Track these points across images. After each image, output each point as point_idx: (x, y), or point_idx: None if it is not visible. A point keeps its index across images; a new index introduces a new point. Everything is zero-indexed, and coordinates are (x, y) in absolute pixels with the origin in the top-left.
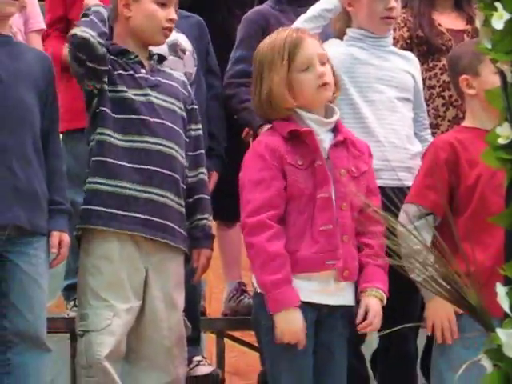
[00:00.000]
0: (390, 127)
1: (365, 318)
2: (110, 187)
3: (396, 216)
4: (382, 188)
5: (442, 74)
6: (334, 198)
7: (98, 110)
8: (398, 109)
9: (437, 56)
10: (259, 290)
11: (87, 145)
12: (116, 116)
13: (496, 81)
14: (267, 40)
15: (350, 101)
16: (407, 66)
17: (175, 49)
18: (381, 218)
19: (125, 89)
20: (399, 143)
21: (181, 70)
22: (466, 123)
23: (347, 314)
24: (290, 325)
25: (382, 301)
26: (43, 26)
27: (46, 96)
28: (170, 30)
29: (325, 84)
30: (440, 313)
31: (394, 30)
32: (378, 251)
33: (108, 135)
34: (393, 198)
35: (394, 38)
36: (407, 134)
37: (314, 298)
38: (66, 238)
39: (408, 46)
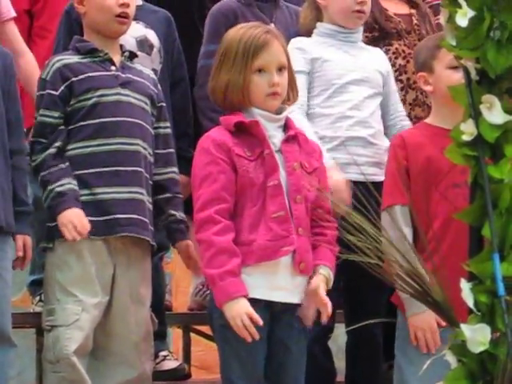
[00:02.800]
0: (360, 123)
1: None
2: (82, 197)
3: (361, 211)
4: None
5: (396, 58)
6: (286, 189)
7: (62, 128)
8: (367, 106)
9: (388, 41)
10: None
11: None
12: (85, 123)
13: (449, 75)
14: (238, 30)
15: (322, 97)
16: (377, 62)
17: (143, 44)
18: (344, 214)
19: (93, 94)
20: (369, 139)
21: (148, 66)
22: (428, 120)
23: None
24: (237, 316)
25: (328, 279)
26: (14, 13)
27: (7, 92)
28: (126, 15)
29: (275, 94)
30: (422, 325)
31: None
32: (331, 239)
33: (79, 148)
34: (356, 192)
35: None
36: (376, 129)
37: (267, 295)
38: (29, 240)
39: None
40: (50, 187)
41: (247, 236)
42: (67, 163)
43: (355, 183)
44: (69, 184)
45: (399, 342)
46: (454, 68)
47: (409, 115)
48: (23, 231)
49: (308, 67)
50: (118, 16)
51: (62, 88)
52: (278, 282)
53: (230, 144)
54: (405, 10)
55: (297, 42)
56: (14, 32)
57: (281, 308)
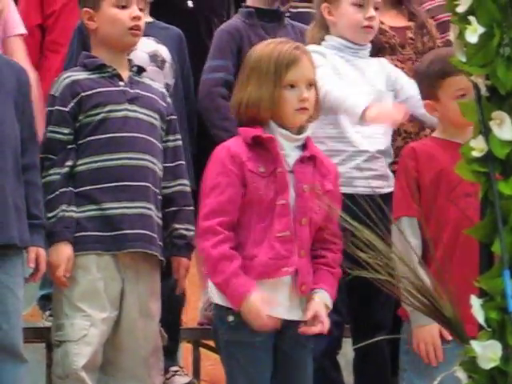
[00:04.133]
0: (367, 137)
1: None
2: (90, 212)
3: (367, 224)
4: (354, 196)
5: None
6: (293, 209)
7: (73, 146)
8: None
9: (380, 55)
10: (216, 301)
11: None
12: (93, 138)
13: (456, 105)
14: (267, 46)
15: (327, 119)
16: (383, 75)
17: (156, 59)
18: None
19: (101, 110)
20: (375, 153)
21: (161, 80)
22: (436, 134)
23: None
24: (255, 317)
25: (326, 304)
26: (23, 30)
27: (22, 108)
28: (138, 28)
29: (303, 109)
30: (426, 337)
31: None
32: (331, 263)
33: (87, 163)
34: (364, 205)
35: None
36: (383, 143)
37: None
38: (43, 252)
39: None
40: (49, 214)
41: (250, 250)
42: (71, 188)
43: (362, 197)
44: (65, 211)
45: (410, 357)
46: (461, 97)
47: (398, 130)
48: (36, 243)
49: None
50: (131, 29)
51: (72, 104)
52: (278, 300)
53: (244, 158)
54: (402, 22)
55: (314, 47)
56: (18, 49)
57: (283, 323)
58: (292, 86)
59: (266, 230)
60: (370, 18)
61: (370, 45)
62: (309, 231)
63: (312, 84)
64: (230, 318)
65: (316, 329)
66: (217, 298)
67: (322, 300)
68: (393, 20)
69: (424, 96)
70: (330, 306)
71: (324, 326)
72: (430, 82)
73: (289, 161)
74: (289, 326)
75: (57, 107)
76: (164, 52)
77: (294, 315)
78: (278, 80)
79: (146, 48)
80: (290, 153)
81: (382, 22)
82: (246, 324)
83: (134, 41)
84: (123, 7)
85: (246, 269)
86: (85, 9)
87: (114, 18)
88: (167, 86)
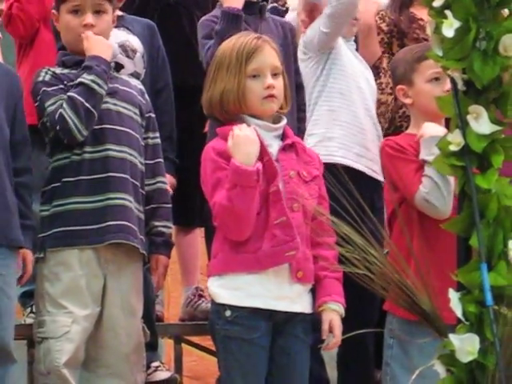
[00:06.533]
0: (372, 120)
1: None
2: (72, 205)
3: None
4: (361, 173)
5: None
6: (283, 197)
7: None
8: (373, 103)
9: None
10: (216, 300)
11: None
12: None
13: (430, 89)
14: (230, 41)
15: (341, 90)
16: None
17: (125, 48)
18: (332, 226)
19: None
20: (379, 135)
21: (130, 69)
22: (409, 130)
23: (307, 320)
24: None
25: (340, 314)
26: None
27: (14, 112)
28: None
29: (271, 96)
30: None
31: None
32: (334, 262)
33: (67, 157)
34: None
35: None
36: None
37: (268, 305)
38: (30, 255)
39: (389, 39)
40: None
41: (253, 244)
42: None
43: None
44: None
45: (393, 351)
46: (435, 80)
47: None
48: (24, 245)
49: None
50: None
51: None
52: (278, 292)
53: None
54: None
55: None
56: None
57: (283, 318)
58: (256, 76)
59: (264, 221)
60: None
61: (353, 38)
62: (303, 217)
63: (278, 73)
64: (228, 313)
65: (334, 344)
66: (215, 296)
67: (336, 311)
68: None
69: (397, 81)
70: (343, 314)
71: (337, 339)
72: (407, 66)
73: (271, 151)
74: (288, 321)
75: (57, 87)
76: (135, 42)
77: (296, 307)
78: (241, 70)
79: (116, 38)
80: (270, 143)
81: (421, 19)
82: (243, 319)
83: None
84: (75, 12)
85: (252, 262)
86: (52, 11)
87: (67, 24)
88: (137, 74)
